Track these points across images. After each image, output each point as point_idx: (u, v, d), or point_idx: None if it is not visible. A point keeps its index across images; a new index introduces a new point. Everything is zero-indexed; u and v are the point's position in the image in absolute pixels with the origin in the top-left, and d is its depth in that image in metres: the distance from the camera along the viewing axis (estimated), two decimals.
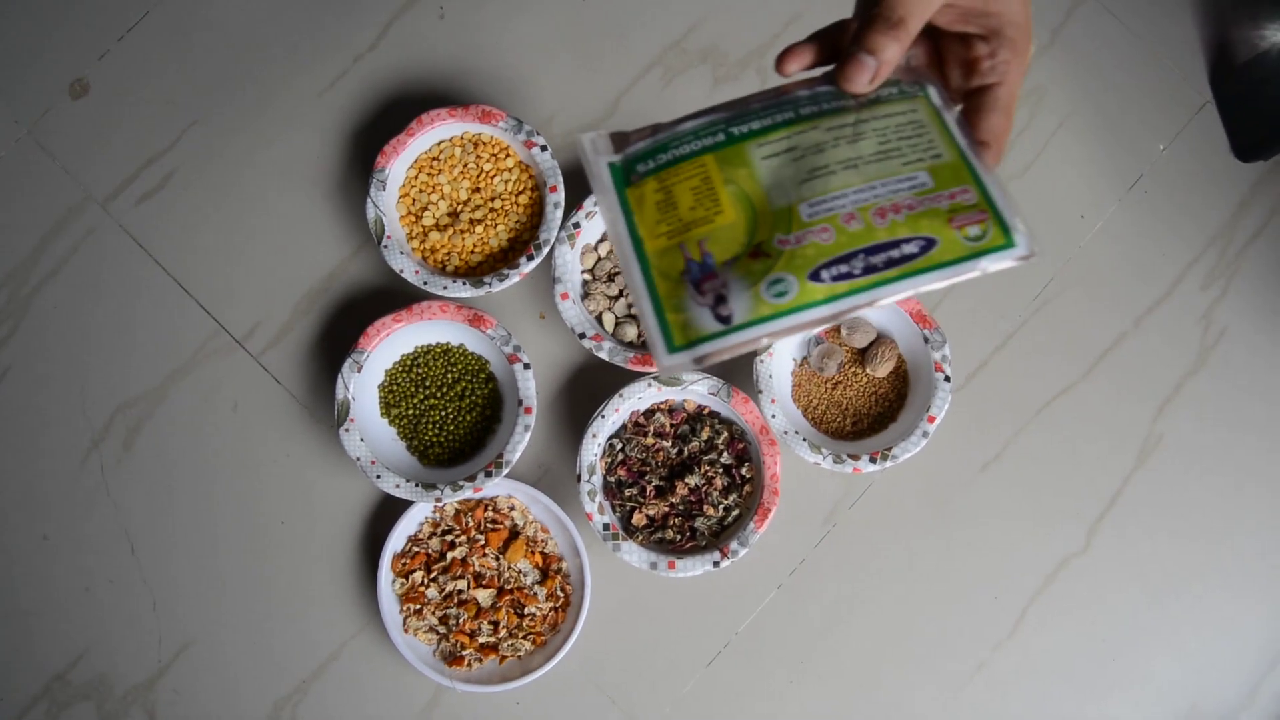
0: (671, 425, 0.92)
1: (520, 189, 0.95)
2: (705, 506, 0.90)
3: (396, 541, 0.91)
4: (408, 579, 0.91)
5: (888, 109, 0.47)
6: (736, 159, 0.46)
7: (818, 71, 0.49)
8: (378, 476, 0.88)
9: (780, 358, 0.93)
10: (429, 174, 0.95)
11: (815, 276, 0.42)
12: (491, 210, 0.94)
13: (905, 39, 0.44)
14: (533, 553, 0.92)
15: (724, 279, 0.43)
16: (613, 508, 0.91)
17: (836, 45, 0.49)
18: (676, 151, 0.47)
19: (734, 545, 0.87)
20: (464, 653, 0.90)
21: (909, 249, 0.43)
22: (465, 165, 0.95)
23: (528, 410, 0.89)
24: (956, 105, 0.48)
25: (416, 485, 0.89)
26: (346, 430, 0.89)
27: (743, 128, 0.47)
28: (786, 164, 0.45)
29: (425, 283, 0.91)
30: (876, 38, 0.44)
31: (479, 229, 0.94)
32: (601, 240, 0.95)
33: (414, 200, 0.95)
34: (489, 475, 0.88)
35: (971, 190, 0.44)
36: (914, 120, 0.46)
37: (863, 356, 0.94)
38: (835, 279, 0.42)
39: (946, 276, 0.42)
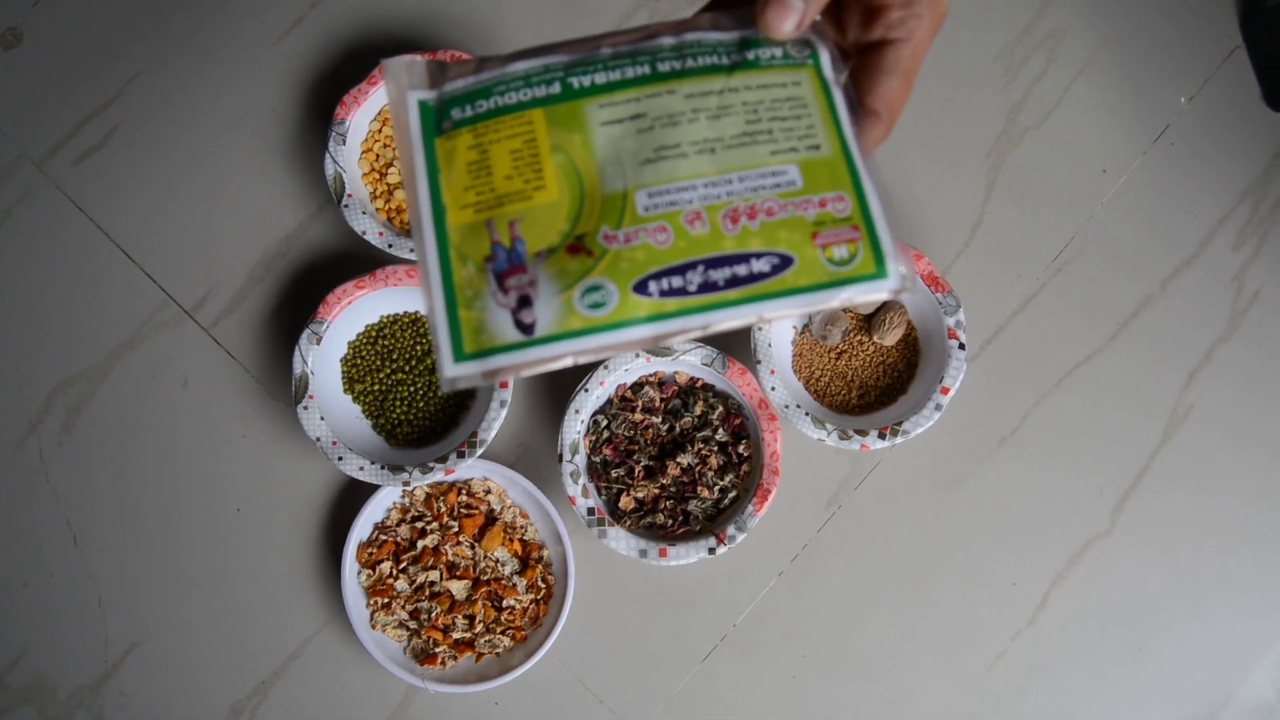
0: (661, 400, 0.85)
1: None
2: (699, 488, 0.82)
3: (362, 529, 0.84)
4: (374, 570, 0.83)
5: (765, 77, 0.38)
6: (571, 120, 0.37)
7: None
8: (340, 458, 0.81)
9: (779, 325, 0.86)
10: None
11: (641, 288, 0.35)
12: None
13: None
14: (511, 540, 0.84)
15: (533, 275, 0.35)
16: (598, 490, 0.84)
17: None
18: (501, 99, 0.38)
19: (731, 530, 0.80)
20: (437, 650, 0.83)
21: (759, 266, 0.35)
22: None
23: (504, 384, 0.82)
24: (846, 67, 0.40)
25: (383, 468, 0.81)
26: (305, 408, 0.81)
27: (584, 79, 0.38)
28: (630, 135, 0.37)
29: (390, 245, 0.83)
30: None
31: None
32: None
33: (377, 155, 0.87)
34: (462, 456, 0.81)
35: (847, 198, 0.36)
36: (794, 97, 0.38)
37: (869, 323, 0.87)
38: (664, 294, 0.35)
39: (798, 305, 0.35)
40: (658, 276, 0.35)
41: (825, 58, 0.39)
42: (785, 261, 0.35)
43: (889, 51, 0.39)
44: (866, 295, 0.35)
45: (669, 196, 0.36)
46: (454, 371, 0.34)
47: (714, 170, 0.36)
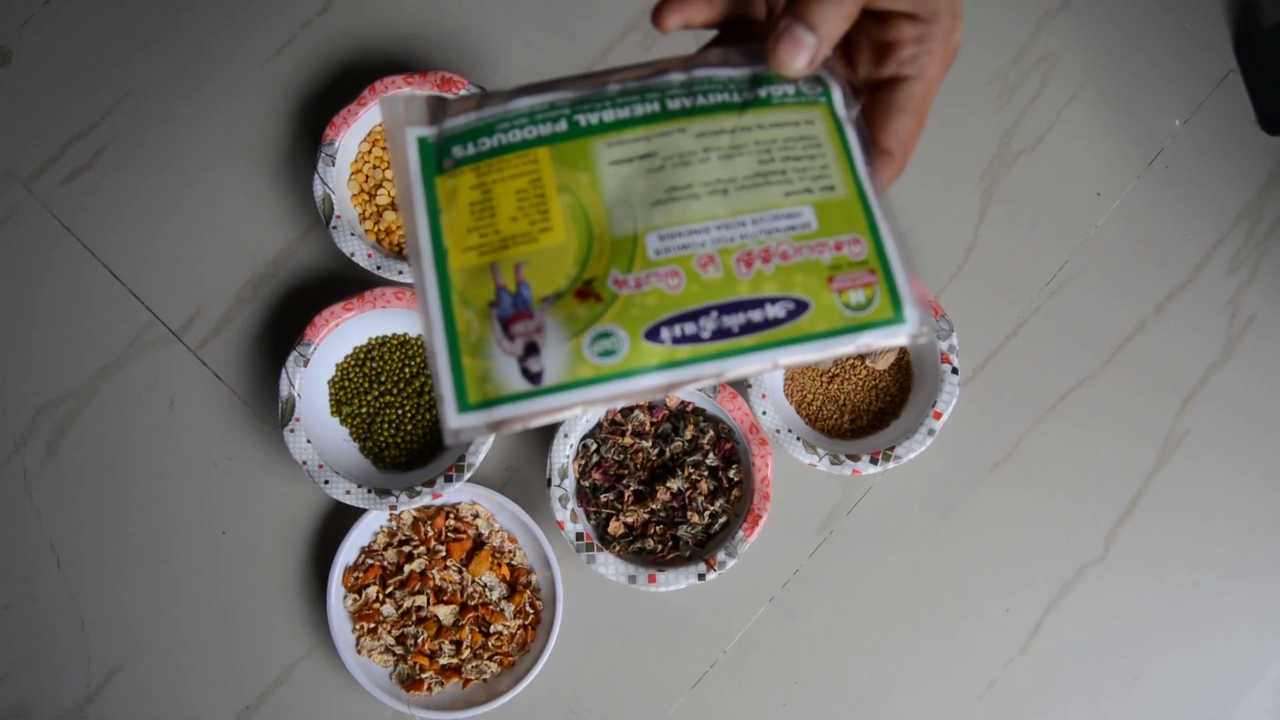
0: (651, 424, 0.84)
1: None
2: (689, 513, 0.81)
3: (348, 553, 0.83)
4: (361, 594, 0.82)
5: (777, 115, 0.37)
6: (578, 159, 0.36)
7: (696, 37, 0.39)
8: (326, 482, 0.80)
9: None
10: (383, 148, 0.87)
11: (653, 335, 0.33)
12: None
13: (853, 9, 0.35)
14: (499, 565, 0.83)
15: (540, 321, 0.33)
16: (587, 515, 0.83)
17: (740, 6, 0.39)
18: (505, 137, 0.36)
19: (721, 555, 0.79)
20: (423, 676, 0.82)
21: (774, 312, 0.34)
22: None
23: None
24: (857, 104, 0.39)
25: (370, 491, 0.80)
26: (292, 431, 0.81)
27: (592, 117, 0.36)
28: (639, 175, 0.36)
29: (379, 267, 0.82)
30: (818, 8, 0.35)
31: None
32: None
33: (367, 177, 0.86)
34: (450, 480, 0.80)
35: (863, 241, 0.35)
36: (807, 136, 0.37)
37: None
38: (677, 341, 0.33)
39: (815, 351, 0.34)
40: (670, 323, 0.33)
41: (838, 95, 0.38)
42: (801, 307, 0.34)
43: (901, 89, 0.38)
44: (883, 341, 0.34)
45: (681, 239, 0.35)
46: (458, 423, 0.33)
47: (727, 212, 0.35)
